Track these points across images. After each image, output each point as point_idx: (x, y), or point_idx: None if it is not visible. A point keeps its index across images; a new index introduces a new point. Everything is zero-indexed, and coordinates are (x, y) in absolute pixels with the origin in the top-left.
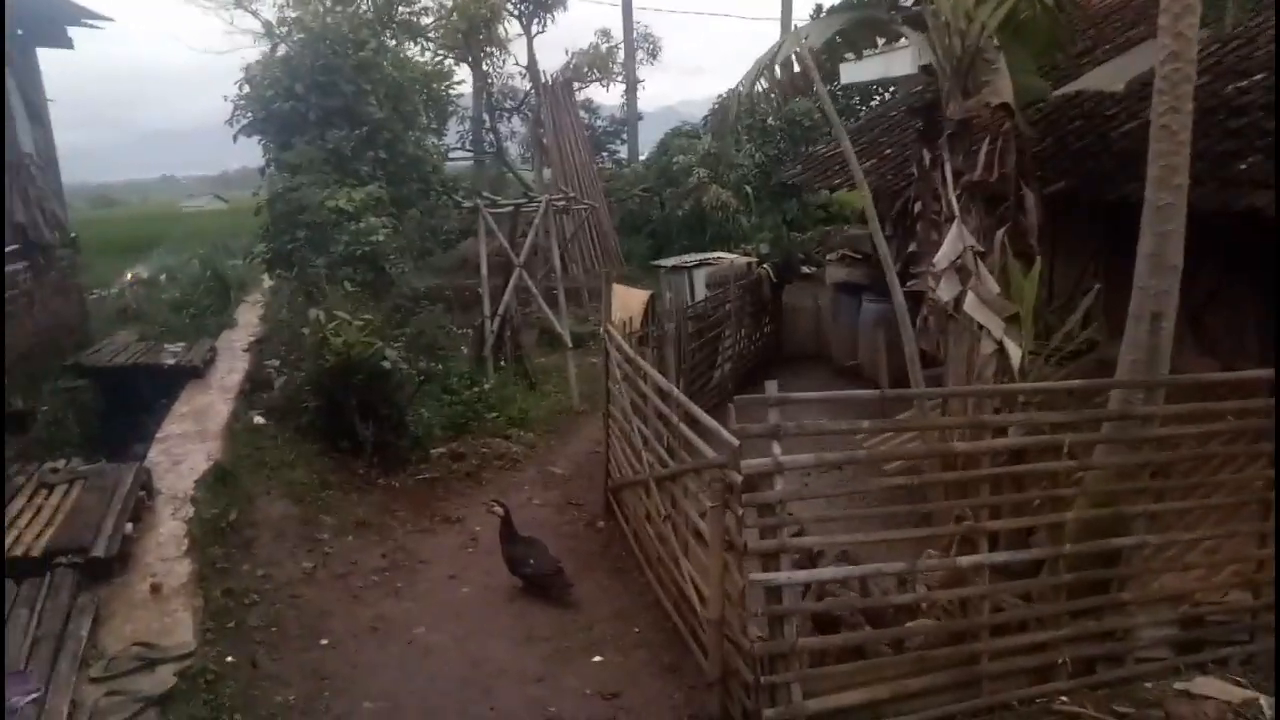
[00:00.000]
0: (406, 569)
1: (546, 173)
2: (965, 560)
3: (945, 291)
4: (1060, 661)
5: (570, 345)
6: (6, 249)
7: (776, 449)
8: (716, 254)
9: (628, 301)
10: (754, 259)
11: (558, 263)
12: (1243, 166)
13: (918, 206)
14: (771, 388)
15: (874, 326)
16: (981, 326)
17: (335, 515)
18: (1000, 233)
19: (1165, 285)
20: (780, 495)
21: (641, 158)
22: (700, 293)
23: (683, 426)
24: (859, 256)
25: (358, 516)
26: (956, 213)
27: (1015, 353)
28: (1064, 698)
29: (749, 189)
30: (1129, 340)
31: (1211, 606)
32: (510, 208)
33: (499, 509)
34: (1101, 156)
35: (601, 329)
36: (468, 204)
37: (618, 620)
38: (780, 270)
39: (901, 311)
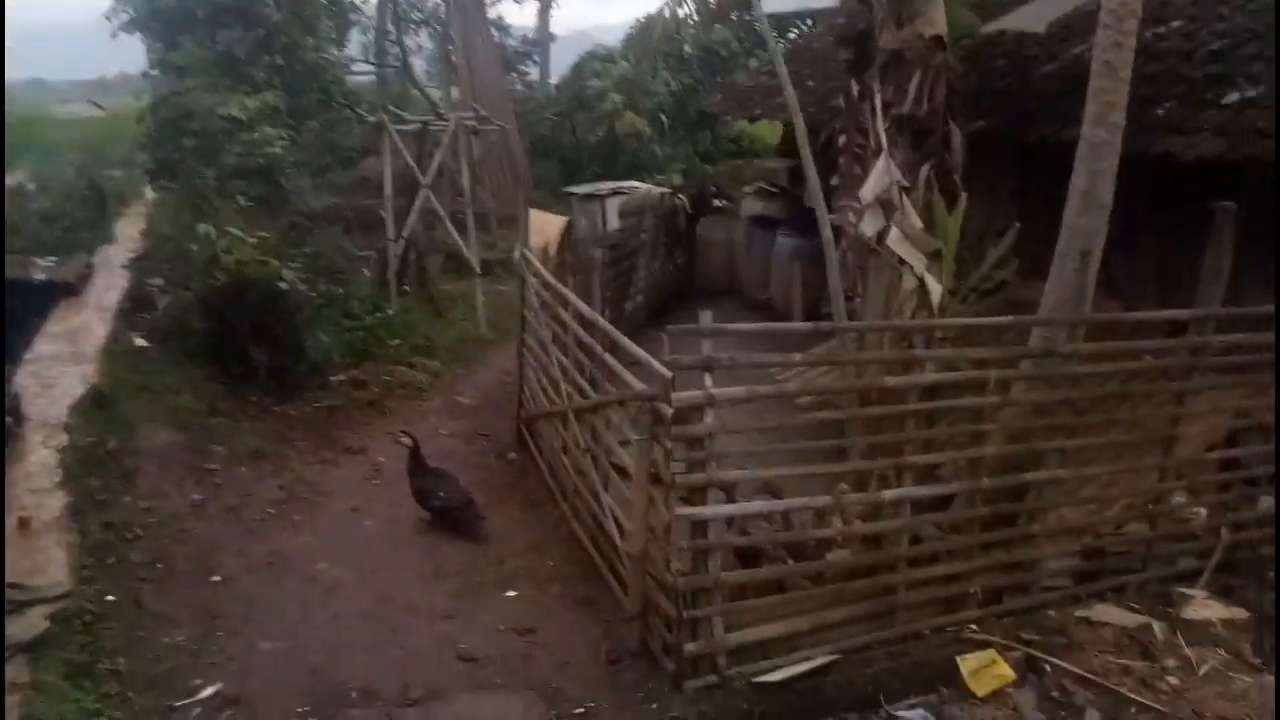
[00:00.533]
0: (306, 501)
1: (454, 91)
2: (888, 494)
3: (869, 226)
4: (971, 592)
5: (479, 272)
6: None
7: (708, 381)
8: (630, 183)
9: (544, 228)
10: (667, 190)
11: (467, 186)
12: (1160, 112)
13: (842, 139)
14: (705, 318)
15: (788, 261)
16: (903, 262)
17: (226, 444)
18: (925, 168)
19: (1095, 224)
20: (710, 429)
21: (553, 82)
22: (613, 222)
23: (608, 357)
24: (775, 190)
25: (251, 446)
26: (884, 146)
27: (936, 289)
28: (973, 626)
29: (664, 118)
30: (1055, 277)
31: (1111, 538)
32: (417, 125)
33: (407, 439)
34: (1021, 97)
35: (517, 254)
36: (372, 119)
37: (531, 554)
38: (695, 202)
39: (829, 245)
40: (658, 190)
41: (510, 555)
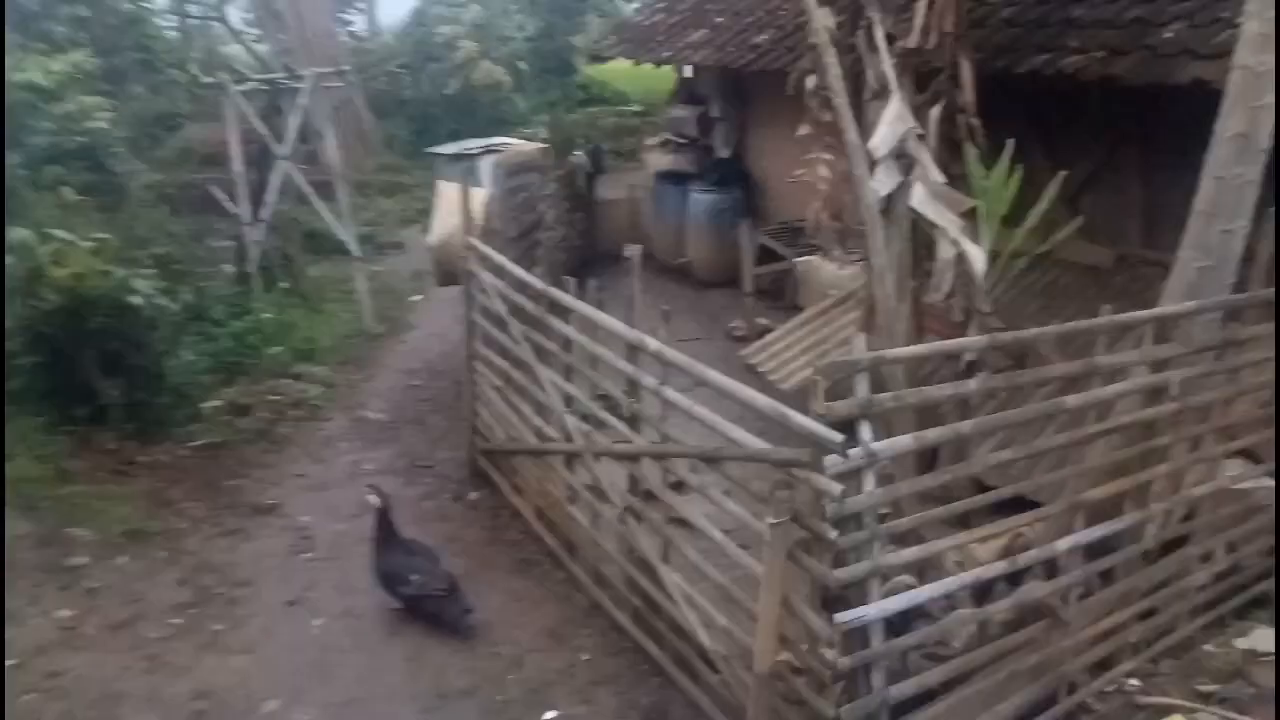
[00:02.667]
0: (221, 599)
1: (266, 46)
2: (1063, 544)
3: (882, 183)
4: (1133, 641)
5: (357, 255)
6: None
7: (866, 434)
8: (502, 139)
9: (459, 203)
10: (542, 144)
11: (332, 152)
12: (1168, 35)
13: (811, 81)
14: (859, 347)
15: (707, 219)
16: (934, 226)
17: (91, 524)
18: (936, 112)
19: (1253, 174)
20: (873, 500)
21: (384, 30)
22: (488, 184)
23: (675, 395)
24: (684, 141)
25: (125, 521)
26: (894, 86)
27: (979, 257)
28: (1134, 682)
29: (522, 65)
30: (1195, 244)
31: None
32: (266, 87)
33: (374, 498)
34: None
35: (432, 239)
36: (208, 80)
37: (553, 645)
38: (593, 159)
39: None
40: (532, 146)
41: (527, 652)
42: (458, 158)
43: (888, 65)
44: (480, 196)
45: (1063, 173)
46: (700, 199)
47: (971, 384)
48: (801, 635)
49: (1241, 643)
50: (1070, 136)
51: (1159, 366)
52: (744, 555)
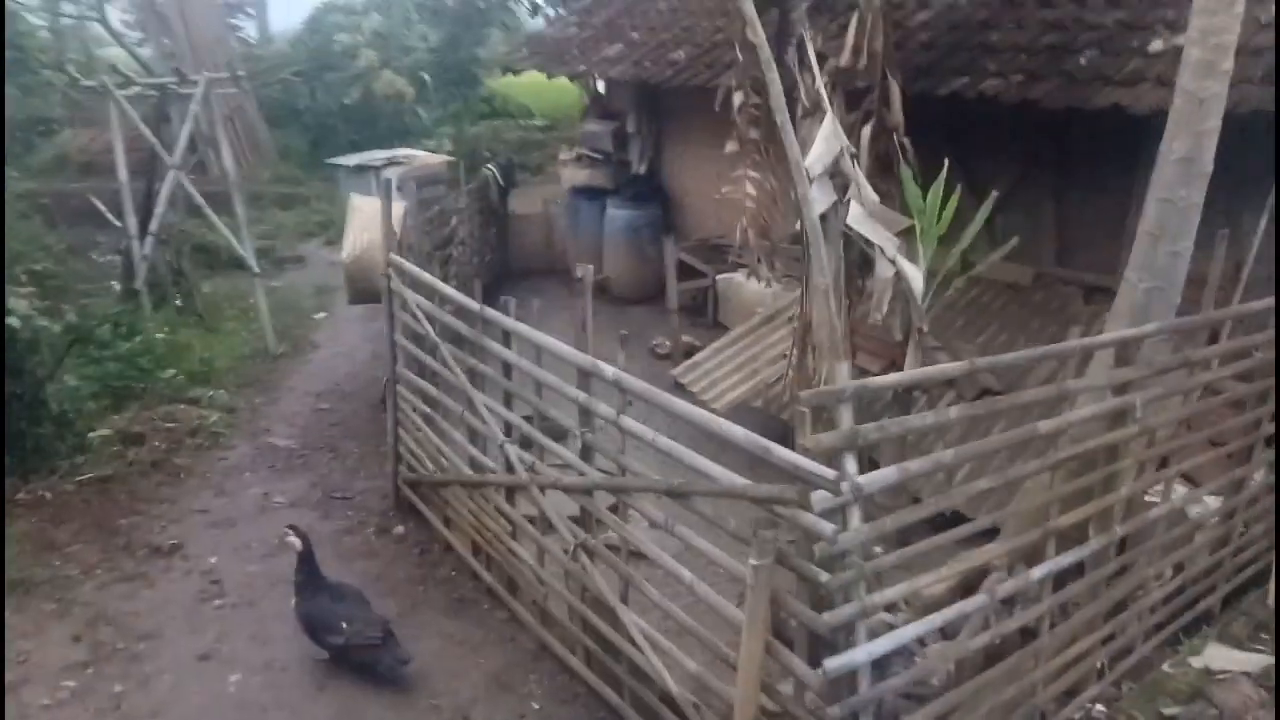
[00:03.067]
0: (122, 655)
1: (149, 50)
2: (1036, 572)
3: (819, 202)
4: (1098, 665)
5: (257, 270)
6: None
7: (851, 467)
8: (406, 151)
9: (375, 218)
10: (448, 157)
11: (228, 162)
12: (1082, 62)
13: (738, 97)
14: (842, 375)
15: (624, 235)
16: (871, 244)
17: None
18: (866, 130)
19: (1196, 197)
20: (859, 537)
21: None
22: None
23: (631, 424)
24: (599, 157)
25: (4, 568)
26: (827, 105)
27: (916, 277)
28: (1099, 707)
29: (425, 76)
30: (1142, 264)
31: None
32: (154, 91)
33: (294, 539)
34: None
35: (345, 256)
36: (89, 83)
37: (498, 692)
38: (504, 173)
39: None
40: (437, 159)
41: (471, 702)
42: (360, 169)
43: (820, 83)
44: (397, 210)
45: (994, 193)
46: (617, 215)
47: (952, 412)
48: (780, 681)
49: (1196, 661)
50: (985, 157)
51: (1121, 389)
52: (715, 596)
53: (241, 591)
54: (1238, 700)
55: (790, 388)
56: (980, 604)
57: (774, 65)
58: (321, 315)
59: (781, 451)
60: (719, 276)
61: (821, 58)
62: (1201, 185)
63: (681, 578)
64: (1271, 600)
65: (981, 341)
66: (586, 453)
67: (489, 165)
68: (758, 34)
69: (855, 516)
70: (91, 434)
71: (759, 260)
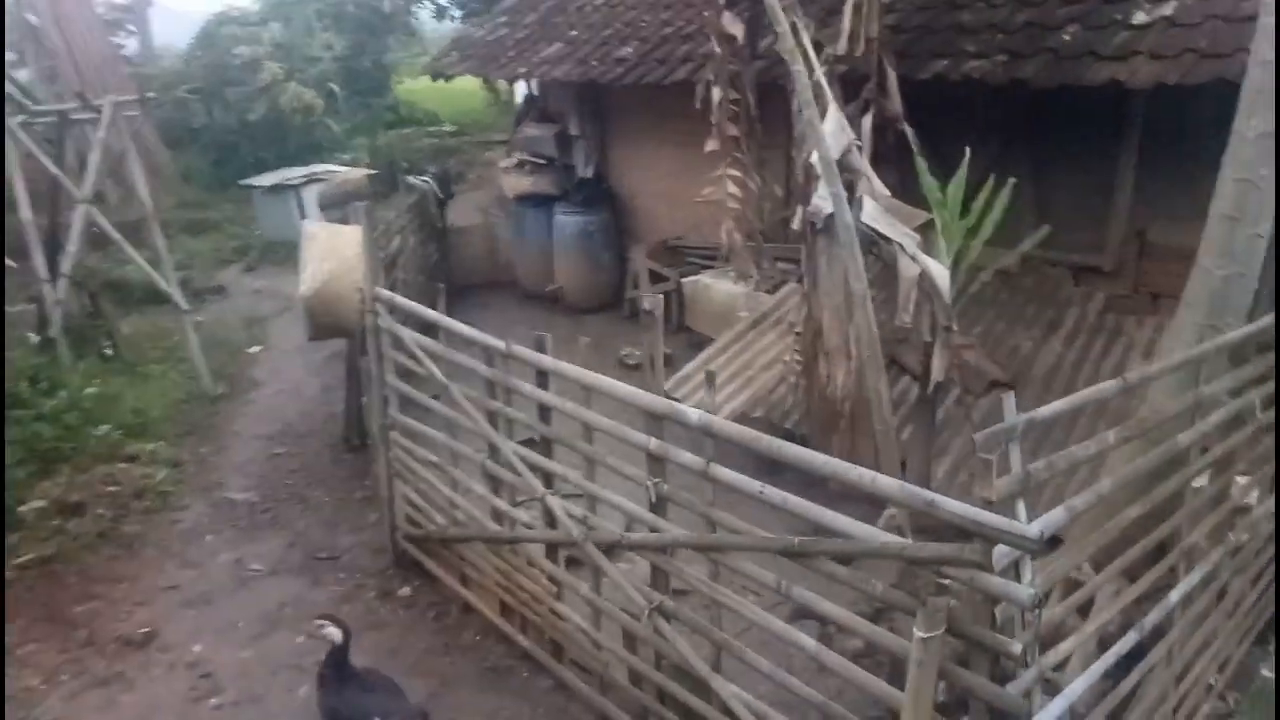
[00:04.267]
0: None
1: (30, 71)
2: (1174, 595)
3: (827, 200)
4: (1210, 682)
5: (185, 306)
6: None
7: (1022, 512)
8: (325, 167)
9: (339, 247)
10: (368, 170)
11: (143, 190)
12: (1066, 38)
13: (716, 93)
14: (1009, 410)
15: (575, 243)
16: (890, 241)
17: None
18: (867, 121)
19: (1273, 173)
20: (1038, 594)
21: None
22: (313, 216)
23: (726, 474)
24: (541, 162)
25: None
26: (829, 96)
27: (942, 275)
28: None
29: (334, 87)
30: (1220, 249)
31: None
32: (53, 118)
33: (334, 629)
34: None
35: (305, 290)
36: None
37: None
38: (442, 185)
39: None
40: (358, 173)
41: None
42: (277, 189)
43: (820, 74)
44: (354, 236)
45: (1011, 180)
46: (566, 222)
47: (1111, 436)
48: None
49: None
50: (958, 141)
51: (1237, 392)
52: (854, 669)
53: (240, 685)
54: None
55: (797, 396)
56: (1132, 640)
57: (798, 55)
58: (256, 349)
59: (950, 504)
60: (684, 280)
61: (817, 46)
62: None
63: (804, 646)
64: None
65: (980, 332)
66: (660, 507)
67: (423, 178)
68: (780, 22)
69: (1028, 570)
70: (23, 508)
71: (748, 264)
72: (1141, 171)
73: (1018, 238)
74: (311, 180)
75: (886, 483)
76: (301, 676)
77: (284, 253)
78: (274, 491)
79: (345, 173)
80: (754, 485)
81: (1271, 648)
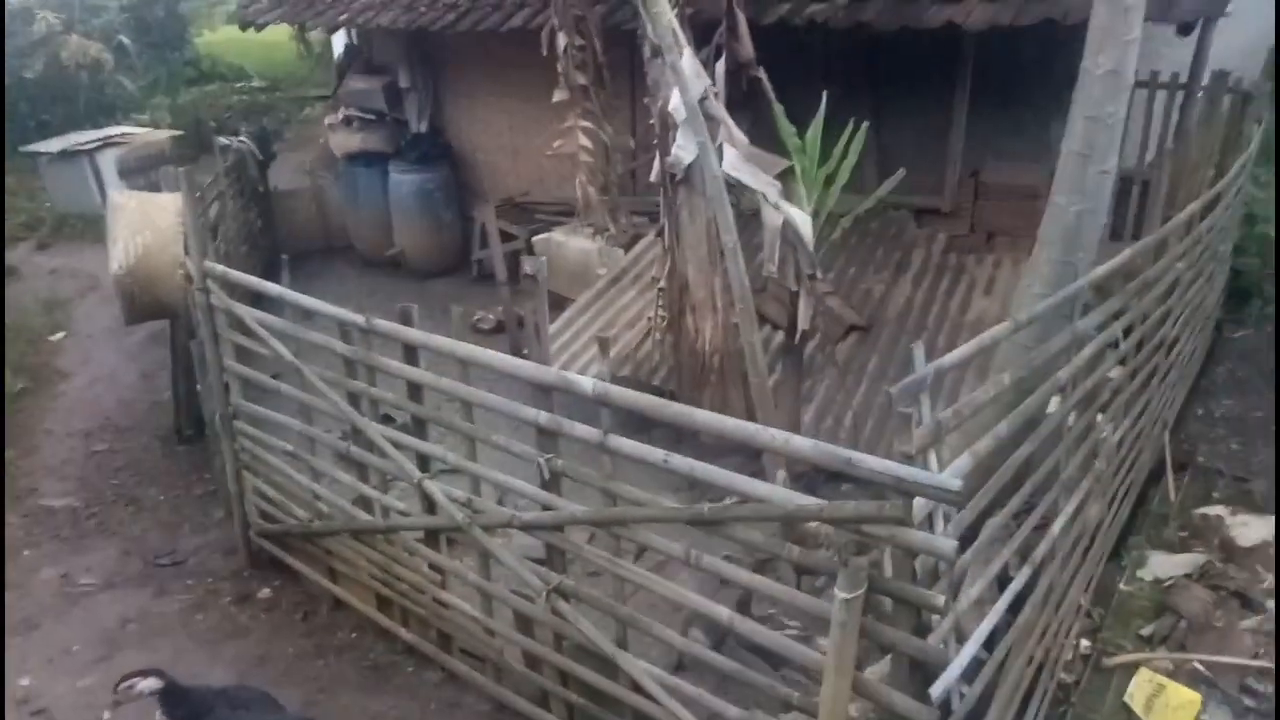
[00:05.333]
0: None
1: None
2: (1056, 526)
3: (687, 149)
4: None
5: None
6: None
7: (934, 462)
8: (123, 129)
9: (154, 217)
10: (173, 132)
11: None
12: None
13: (562, 40)
14: (919, 359)
15: (414, 203)
16: (752, 191)
17: None
18: (720, 67)
19: (1122, 111)
20: (950, 547)
21: None
22: (113, 184)
23: (625, 445)
24: (371, 117)
25: None
26: (684, 40)
27: (805, 221)
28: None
29: (123, 39)
30: (1071, 186)
31: None
32: None
33: (145, 682)
34: None
35: (117, 268)
36: None
37: None
38: (261, 146)
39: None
40: (161, 135)
41: None
42: (67, 155)
43: (670, 18)
44: (171, 205)
45: (866, 124)
46: (403, 180)
47: (1006, 378)
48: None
49: (1144, 573)
50: (798, 84)
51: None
52: (771, 633)
53: (78, 718)
54: (1198, 606)
55: (664, 352)
56: (1026, 575)
57: None
58: (60, 336)
59: (869, 461)
60: (535, 238)
61: None
62: (1125, 99)
63: (718, 617)
64: (1174, 495)
65: (832, 277)
66: (554, 483)
67: (240, 138)
68: None
69: (940, 521)
70: None
71: (607, 217)
72: (973, 114)
73: (862, 182)
74: (107, 144)
75: (800, 442)
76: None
77: (81, 226)
78: (99, 494)
79: (146, 135)
80: (657, 454)
81: (1124, 562)
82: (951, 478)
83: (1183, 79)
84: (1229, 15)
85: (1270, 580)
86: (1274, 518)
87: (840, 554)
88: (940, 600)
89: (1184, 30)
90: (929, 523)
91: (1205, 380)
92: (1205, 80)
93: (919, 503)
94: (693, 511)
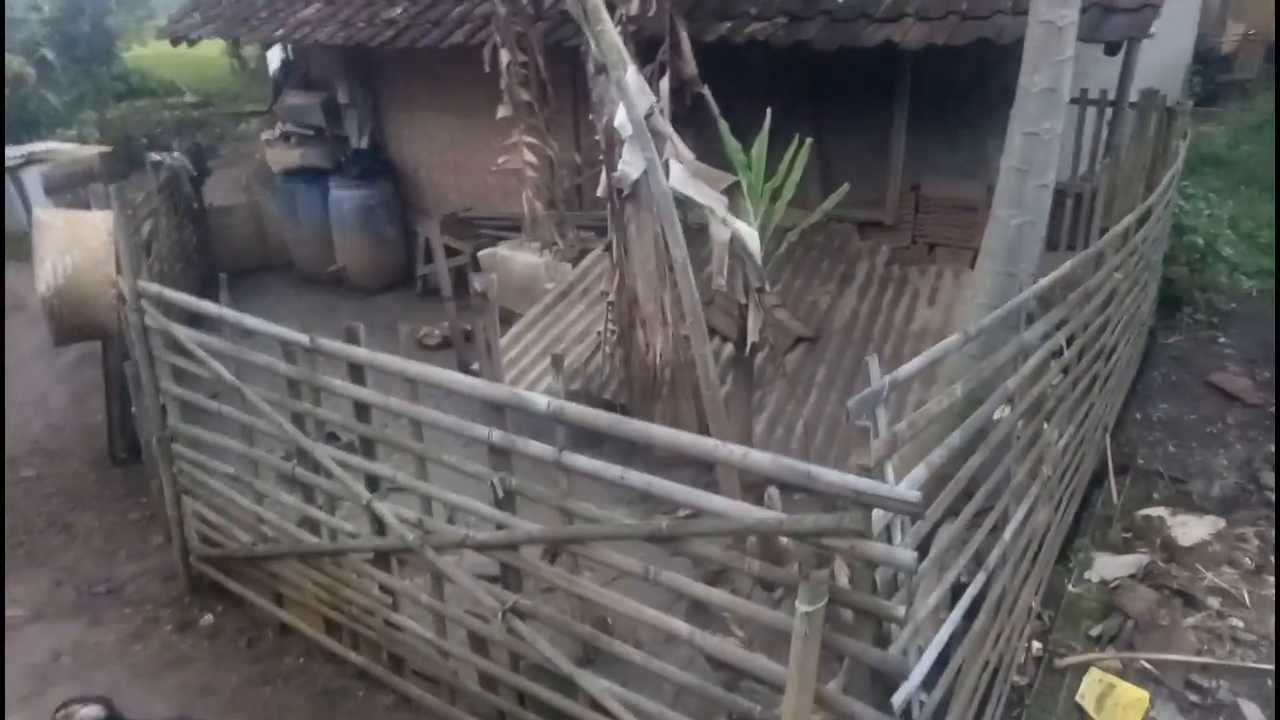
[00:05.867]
0: None
1: None
2: (1007, 532)
3: (631, 165)
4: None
5: None
6: None
7: (890, 473)
8: (46, 145)
9: (81, 234)
10: (101, 148)
11: None
12: (840, 0)
13: (505, 56)
14: (874, 372)
15: (355, 219)
16: (699, 206)
17: None
18: (664, 83)
19: (1059, 127)
20: (908, 559)
21: None
22: (39, 201)
23: (581, 462)
24: (309, 133)
25: None
26: (627, 57)
27: (751, 236)
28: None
29: (46, 53)
30: (1011, 200)
31: None
32: None
33: (86, 710)
34: None
35: (45, 288)
36: None
37: None
38: (195, 161)
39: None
40: (89, 151)
41: None
42: None
43: (615, 35)
44: (101, 223)
45: (809, 140)
46: (344, 197)
47: (959, 389)
48: None
49: (1091, 575)
50: (742, 99)
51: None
52: (735, 649)
53: None
54: (1143, 606)
55: (614, 366)
56: (981, 581)
57: (601, 11)
58: None
59: (827, 475)
60: (481, 253)
61: (610, 7)
62: (1061, 115)
63: (678, 632)
64: (1116, 498)
65: (779, 289)
66: (508, 502)
67: (174, 154)
68: None
69: (898, 533)
70: None
71: (555, 232)
72: (912, 130)
73: (805, 196)
74: (31, 161)
75: (758, 457)
76: None
77: (6, 245)
78: (27, 521)
79: (72, 151)
80: (614, 471)
81: (1071, 564)
82: (910, 490)
83: (1110, 96)
84: (1152, 36)
85: (1210, 578)
86: (1219, 519)
87: (801, 567)
88: (901, 611)
89: (1111, 50)
90: (887, 534)
91: (1141, 385)
92: (1132, 97)
93: (876, 514)
94: (651, 527)
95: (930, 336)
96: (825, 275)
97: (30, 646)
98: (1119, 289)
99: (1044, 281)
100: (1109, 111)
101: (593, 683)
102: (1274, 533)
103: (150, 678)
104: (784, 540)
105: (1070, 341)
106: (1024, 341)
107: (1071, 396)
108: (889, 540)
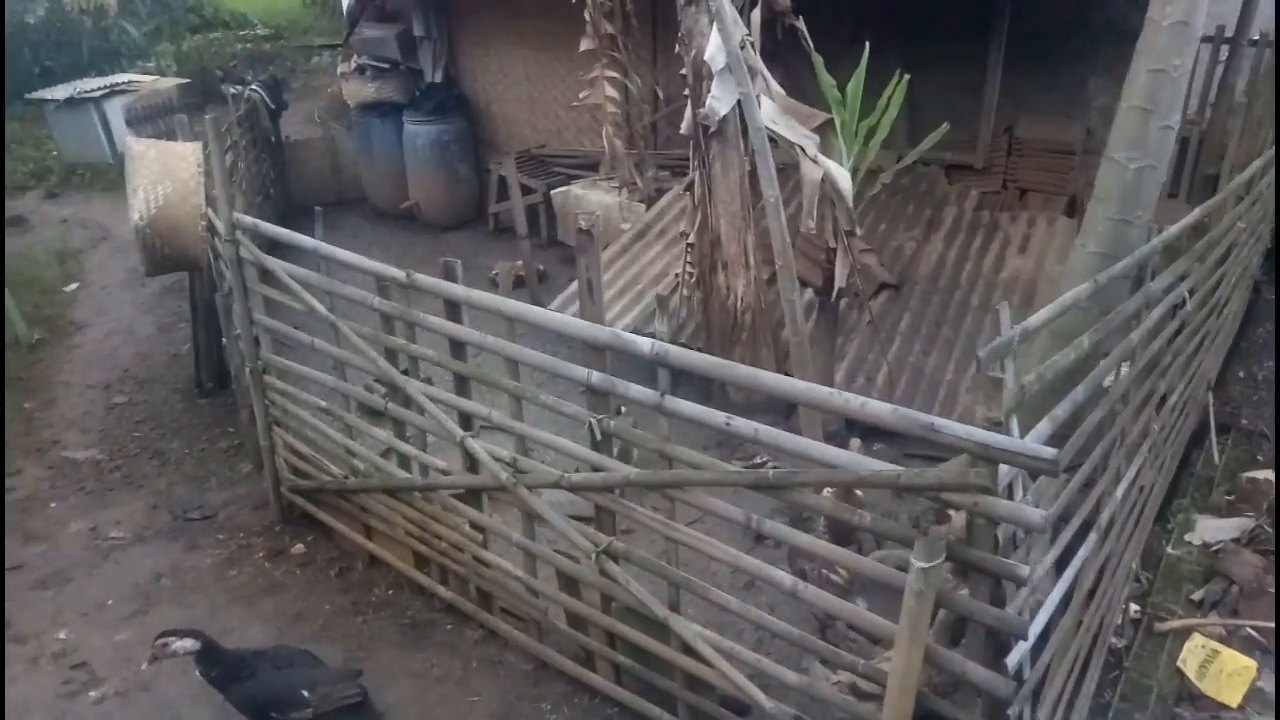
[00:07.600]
0: None
1: None
2: (1119, 490)
3: (722, 100)
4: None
5: None
6: None
7: (1015, 428)
8: (127, 76)
9: (173, 166)
10: (179, 80)
11: None
12: None
13: None
14: (1004, 318)
15: (430, 154)
16: (790, 144)
17: None
18: (756, 15)
19: (1189, 64)
20: (1039, 518)
21: None
22: (121, 132)
23: (681, 406)
24: (385, 66)
25: None
26: None
27: (844, 175)
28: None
29: None
30: (1132, 141)
31: None
32: None
33: (181, 642)
34: None
35: (138, 219)
36: None
37: None
38: (273, 95)
39: None
40: (168, 83)
41: None
42: (74, 103)
43: None
44: (191, 154)
45: (907, 76)
46: (419, 131)
47: (1085, 341)
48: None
49: (1192, 538)
50: (831, 37)
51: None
52: (841, 602)
53: (121, 673)
54: (1250, 571)
55: (692, 308)
56: (1094, 541)
57: None
58: (73, 287)
59: (953, 427)
60: (554, 191)
61: None
62: (1193, 51)
63: (779, 583)
64: (1218, 459)
65: (863, 234)
66: (606, 444)
67: (250, 86)
68: None
69: (1020, 489)
70: None
71: (633, 170)
72: (1008, 68)
73: (893, 137)
74: (114, 91)
75: (878, 407)
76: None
77: (90, 175)
78: (122, 447)
79: (153, 83)
80: (718, 417)
81: (1170, 525)
82: (1043, 447)
83: (1227, 34)
84: None
85: None
86: None
87: (919, 522)
88: (1025, 571)
89: None
90: (1009, 490)
91: (1245, 342)
92: (1253, 35)
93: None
94: (756, 475)
95: (1021, 285)
96: (911, 220)
97: (133, 567)
98: (1238, 240)
99: (1173, 229)
100: (1223, 51)
101: (685, 628)
102: None
103: (246, 603)
104: (859, 493)
105: (1192, 294)
106: (1149, 293)
107: (1185, 352)
108: (1011, 497)
